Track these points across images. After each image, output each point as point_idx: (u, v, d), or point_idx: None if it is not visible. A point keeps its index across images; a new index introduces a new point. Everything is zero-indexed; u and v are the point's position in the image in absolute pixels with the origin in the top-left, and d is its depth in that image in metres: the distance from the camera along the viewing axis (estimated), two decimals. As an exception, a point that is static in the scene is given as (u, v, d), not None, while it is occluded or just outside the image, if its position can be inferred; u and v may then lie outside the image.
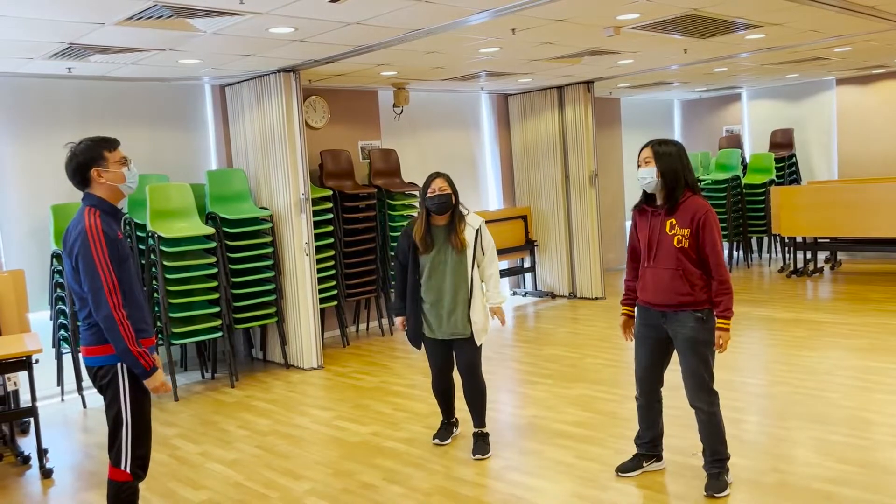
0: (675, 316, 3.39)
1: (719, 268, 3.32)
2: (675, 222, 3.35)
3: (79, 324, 2.93)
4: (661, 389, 3.67)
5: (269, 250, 6.40)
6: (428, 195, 4.04)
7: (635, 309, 3.66)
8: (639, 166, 3.44)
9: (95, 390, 2.95)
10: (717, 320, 3.34)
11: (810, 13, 5.43)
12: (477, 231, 4.09)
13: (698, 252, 3.34)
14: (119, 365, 2.86)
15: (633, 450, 3.81)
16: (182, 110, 6.80)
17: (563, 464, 3.96)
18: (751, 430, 4.26)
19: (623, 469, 3.76)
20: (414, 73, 7.15)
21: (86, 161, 2.86)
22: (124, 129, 6.42)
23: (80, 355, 2.97)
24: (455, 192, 4.09)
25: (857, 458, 3.77)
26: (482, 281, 4.15)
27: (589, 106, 8.61)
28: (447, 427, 4.46)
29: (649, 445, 3.75)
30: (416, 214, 7.54)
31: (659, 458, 3.79)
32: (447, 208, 4.04)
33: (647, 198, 3.50)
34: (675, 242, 3.33)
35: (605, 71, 7.89)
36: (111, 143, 2.93)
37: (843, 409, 4.48)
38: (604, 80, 8.55)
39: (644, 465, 3.76)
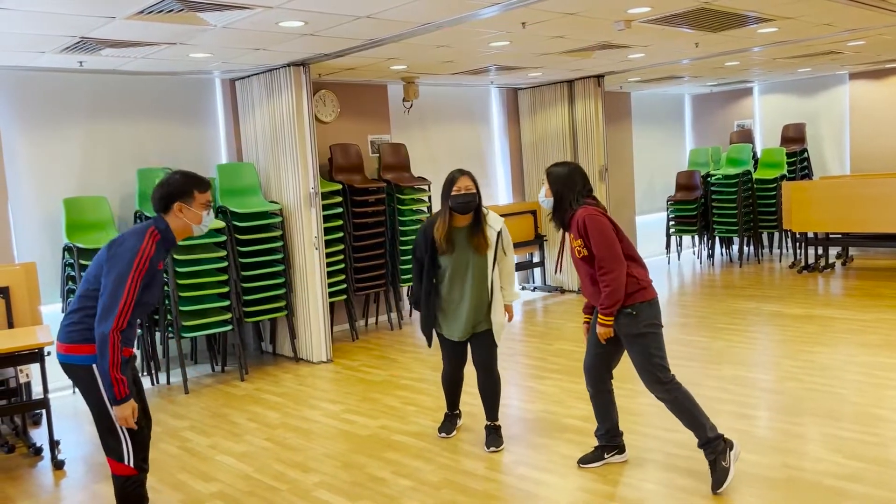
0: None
1: (601, 270, 3.43)
2: (571, 235, 3.55)
3: (63, 317, 2.93)
4: (612, 381, 3.79)
5: (279, 244, 6.41)
6: (453, 193, 3.91)
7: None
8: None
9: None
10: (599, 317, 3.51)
11: (823, 7, 5.39)
12: (498, 233, 4.03)
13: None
14: (94, 365, 2.84)
15: (641, 445, 3.82)
16: (192, 104, 6.82)
17: (571, 458, 3.96)
18: (761, 426, 4.25)
19: (584, 461, 3.82)
20: (424, 67, 7.14)
21: (175, 193, 2.94)
22: (135, 123, 6.45)
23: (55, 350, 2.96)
24: (479, 192, 3.99)
25: (869, 454, 3.75)
26: (500, 277, 4.11)
27: (599, 100, 8.58)
28: (451, 419, 4.48)
29: (607, 437, 3.81)
30: (424, 209, 7.65)
31: (621, 450, 3.84)
32: (472, 208, 3.94)
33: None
34: (577, 254, 3.52)
35: (616, 65, 7.85)
36: (204, 185, 3.01)
37: (855, 406, 4.46)
38: (614, 74, 8.51)
39: (605, 456, 3.81)
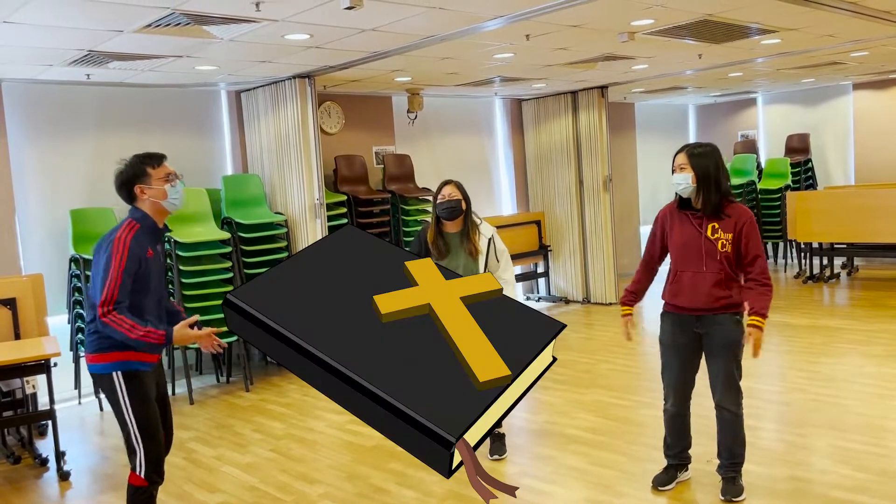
0: (713, 318, 3.36)
1: (764, 268, 3.33)
2: (717, 226, 3.33)
3: (84, 329, 2.96)
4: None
5: (284, 255, 6.43)
6: (438, 201, 4.04)
7: (658, 315, 3.59)
8: (673, 172, 3.40)
9: None
10: (751, 318, 3.26)
11: (826, 18, 5.40)
12: (490, 240, 4.08)
13: (738, 256, 3.34)
14: (115, 373, 2.88)
15: (646, 457, 3.79)
16: (198, 116, 6.85)
17: (576, 469, 3.95)
18: (767, 437, 4.23)
19: (659, 482, 3.65)
20: (428, 79, 7.17)
21: (129, 177, 2.90)
22: (141, 135, 6.48)
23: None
24: (466, 199, 4.06)
25: (875, 466, 3.73)
26: None
27: (603, 111, 8.60)
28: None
29: (681, 455, 3.69)
30: (428, 220, 7.66)
31: (687, 466, 3.74)
32: (456, 214, 4.02)
33: (682, 202, 3.45)
34: (720, 247, 3.32)
35: (620, 76, 7.88)
36: (155, 159, 2.94)
37: (861, 417, 4.44)
38: (618, 84, 8.53)
39: (679, 475, 3.68)
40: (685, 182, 3.33)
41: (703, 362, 3.53)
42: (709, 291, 3.34)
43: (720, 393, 3.44)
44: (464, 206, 4.04)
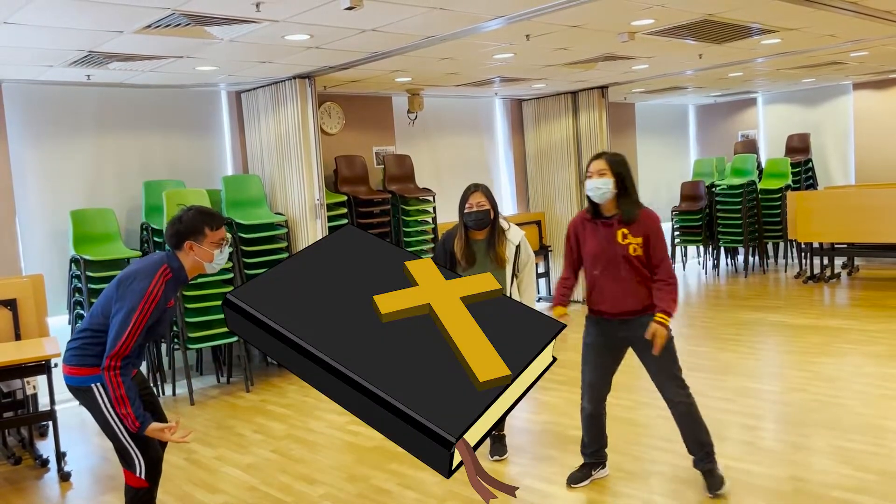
0: (639, 321, 3.42)
1: (669, 268, 3.42)
2: (627, 232, 3.40)
3: (67, 341, 2.95)
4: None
5: (284, 255, 6.43)
6: (465, 211, 3.88)
7: (585, 317, 3.67)
8: (588, 177, 3.42)
9: None
10: (658, 315, 3.34)
11: (826, 18, 5.41)
12: (517, 247, 3.99)
13: (649, 258, 3.41)
14: (95, 385, 2.86)
15: (647, 457, 3.79)
16: (198, 116, 6.86)
17: (577, 470, 3.95)
18: (767, 438, 4.23)
19: (574, 480, 3.74)
20: (428, 79, 7.18)
21: (185, 231, 2.90)
22: (141, 135, 6.49)
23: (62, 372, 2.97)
24: (494, 207, 3.93)
25: (876, 466, 3.73)
26: (518, 291, 4.06)
27: (603, 111, 8.60)
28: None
29: (597, 454, 3.76)
30: (429, 220, 7.67)
31: (604, 464, 3.81)
32: (485, 224, 3.89)
33: (594, 210, 3.48)
34: (632, 251, 3.39)
35: (620, 76, 7.88)
36: (216, 221, 2.95)
37: (861, 417, 4.44)
38: (618, 85, 8.54)
39: (593, 473, 3.76)
40: (605, 187, 3.37)
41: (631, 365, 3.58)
42: (628, 296, 3.42)
43: (664, 387, 3.50)
44: (492, 214, 3.92)
